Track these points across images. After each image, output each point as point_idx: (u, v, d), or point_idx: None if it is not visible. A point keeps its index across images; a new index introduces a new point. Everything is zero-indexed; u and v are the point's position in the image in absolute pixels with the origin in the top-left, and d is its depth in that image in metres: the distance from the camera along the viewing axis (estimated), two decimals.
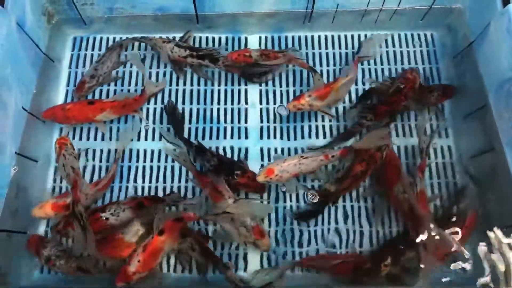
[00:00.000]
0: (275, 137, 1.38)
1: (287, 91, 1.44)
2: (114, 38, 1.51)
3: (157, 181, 1.33)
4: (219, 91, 1.45)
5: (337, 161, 1.29)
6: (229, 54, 1.39)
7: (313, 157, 1.23)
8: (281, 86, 1.45)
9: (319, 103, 1.31)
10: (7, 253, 1.17)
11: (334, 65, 1.48)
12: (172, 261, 1.25)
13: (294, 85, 1.45)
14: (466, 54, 1.39)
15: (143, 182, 1.33)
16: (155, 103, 1.43)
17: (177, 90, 1.45)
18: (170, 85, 1.45)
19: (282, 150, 1.36)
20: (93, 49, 1.50)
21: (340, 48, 1.50)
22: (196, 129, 1.39)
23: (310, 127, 1.40)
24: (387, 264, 1.15)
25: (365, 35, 1.51)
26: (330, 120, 1.40)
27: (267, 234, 1.22)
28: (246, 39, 1.51)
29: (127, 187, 1.33)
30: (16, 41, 1.26)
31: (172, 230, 1.14)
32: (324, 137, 1.38)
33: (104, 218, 1.20)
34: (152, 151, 1.37)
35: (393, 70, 1.46)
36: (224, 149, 1.37)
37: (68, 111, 1.32)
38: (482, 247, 1.18)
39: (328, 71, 1.47)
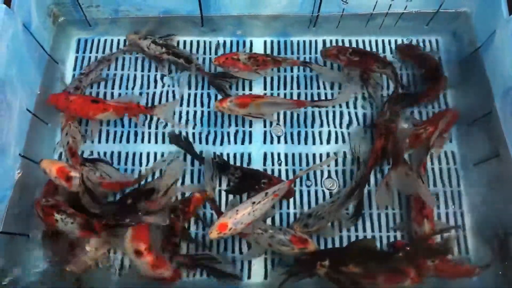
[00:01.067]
0: (278, 141, 1.38)
1: (291, 94, 1.44)
2: (118, 40, 1.51)
3: None
4: None
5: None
6: (217, 57, 1.39)
7: (265, 199, 1.17)
8: (285, 89, 1.45)
9: (239, 110, 1.30)
10: (10, 256, 1.17)
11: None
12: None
13: (298, 88, 1.45)
14: (472, 60, 1.39)
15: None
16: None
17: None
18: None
19: (286, 155, 1.36)
20: (97, 51, 1.50)
21: None
22: (200, 133, 1.39)
23: (313, 132, 1.39)
24: (323, 265, 1.11)
25: (369, 41, 1.51)
26: (334, 126, 1.39)
27: (308, 238, 1.17)
28: (251, 42, 1.51)
29: None
30: (21, 42, 1.25)
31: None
32: (328, 142, 1.38)
33: (55, 219, 1.14)
34: (155, 154, 1.36)
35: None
36: (228, 154, 1.36)
37: (71, 103, 1.30)
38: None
39: None
